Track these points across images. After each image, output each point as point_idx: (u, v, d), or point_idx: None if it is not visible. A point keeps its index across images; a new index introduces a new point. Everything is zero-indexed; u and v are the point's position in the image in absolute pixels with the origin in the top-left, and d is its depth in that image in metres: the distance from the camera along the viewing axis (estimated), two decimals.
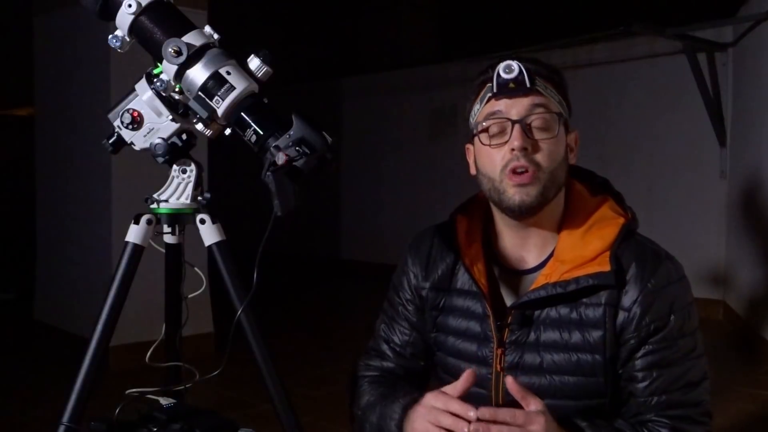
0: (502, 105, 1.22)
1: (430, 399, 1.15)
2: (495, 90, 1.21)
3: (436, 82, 6.65)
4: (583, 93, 5.27)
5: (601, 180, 1.36)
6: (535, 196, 1.21)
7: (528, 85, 1.20)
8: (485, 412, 1.08)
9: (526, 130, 1.21)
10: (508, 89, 1.20)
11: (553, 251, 1.27)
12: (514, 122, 1.20)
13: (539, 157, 1.21)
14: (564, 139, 1.25)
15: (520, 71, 1.19)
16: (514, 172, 1.20)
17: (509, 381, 1.12)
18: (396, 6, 7.90)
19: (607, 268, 1.20)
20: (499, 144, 1.22)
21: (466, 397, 1.34)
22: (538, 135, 1.21)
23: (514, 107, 1.21)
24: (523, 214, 1.23)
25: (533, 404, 1.11)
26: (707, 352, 1.25)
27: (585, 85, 5.34)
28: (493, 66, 1.24)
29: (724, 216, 4.98)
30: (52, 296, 4.56)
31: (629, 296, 1.20)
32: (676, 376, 1.20)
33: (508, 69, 1.20)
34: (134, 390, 1.47)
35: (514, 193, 1.21)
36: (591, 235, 1.25)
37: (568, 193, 1.30)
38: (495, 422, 1.07)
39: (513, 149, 1.20)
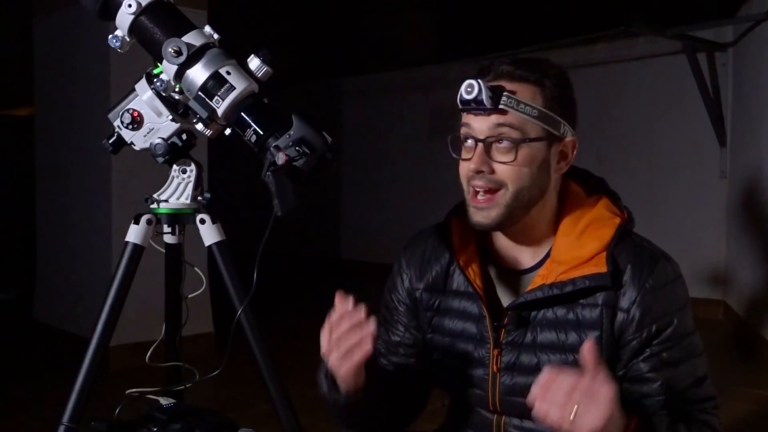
0: (470, 119, 1.21)
1: (323, 339, 1.16)
2: (459, 105, 1.21)
3: (436, 82, 6.64)
4: (583, 93, 5.22)
5: (597, 179, 1.35)
6: (494, 218, 1.21)
7: (489, 105, 1.17)
8: (549, 369, 1.02)
9: (487, 150, 1.20)
10: (470, 107, 1.19)
11: (548, 251, 1.27)
12: (476, 141, 1.20)
13: (502, 176, 1.20)
14: (538, 158, 1.21)
15: (480, 91, 1.16)
16: (474, 193, 1.21)
17: (588, 345, 1.02)
18: (396, 6, 7.89)
19: (603, 269, 1.19)
20: (466, 158, 1.22)
21: (465, 399, 1.34)
22: (498, 156, 1.20)
23: (478, 124, 1.20)
24: (488, 230, 1.25)
25: (599, 373, 1.02)
26: (707, 352, 1.26)
27: (585, 85, 5.31)
28: (485, 65, 1.23)
29: (724, 216, 4.97)
30: (52, 296, 4.56)
31: (627, 297, 1.20)
32: (686, 374, 1.20)
33: (469, 88, 1.17)
34: (134, 390, 1.48)
35: (473, 213, 1.23)
36: (587, 236, 1.24)
37: (564, 193, 1.30)
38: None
39: (470, 169, 1.21)
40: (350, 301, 1.14)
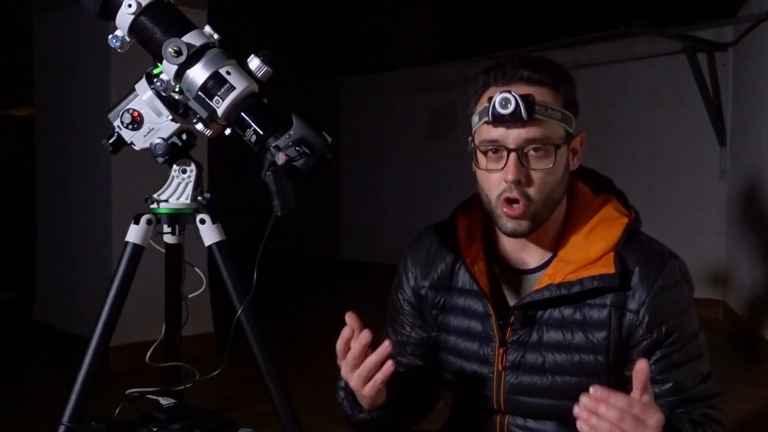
0: (499, 133, 1.19)
1: (343, 366, 1.16)
2: (491, 120, 1.18)
3: (436, 82, 6.64)
4: (583, 93, 5.23)
5: (604, 179, 1.35)
6: (525, 226, 1.21)
7: (525, 117, 1.16)
8: (598, 390, 0.98)
9: (522, 159, 1.19)
10: (504, 121, 1.18)
11: (555, 251, 1.27)
12: (509, 151, 1.19)
13: (532, 190, 1.20)
14: (563, 162, 1.22)
15: (517, 105, 1.15)
16: (507, 201, 1.20)
17: (642, 364, 1.01)
18: (396, 6, 7.90)
19: (611, 269, 1.20)
20: (495, 170, 1.21)
21: (469, 398, 1.34)
22: (534, 164, 1.19)
23: (511, 136, 1.18)
24: (519, 237, 1.24)
25: (646, 397, 1.02)
26: (707, 352, 1.26)
27: (585, 85, 5.32)
28: (495, 71, 1.22)
29: (724, 216, 4.97)
30: (52, 296, 4.55)
31: (637, 299, 1.20)
32: (693, 373, 1.21)
33: (505, 103, 1.16)
34: (134, 390, 1.48)
35: (506, 222, 1.22)
36: (595, 236, 1.24)
37: (571, 193, 1.30)
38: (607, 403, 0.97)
39: (506, 180, 1.19)
40: (356, 321, 1.13)
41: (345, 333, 1.14)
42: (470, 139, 1.27)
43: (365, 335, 1.12)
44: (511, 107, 1.16)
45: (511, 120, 1.17)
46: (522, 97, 1.16)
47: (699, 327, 1.25)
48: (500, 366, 1.26)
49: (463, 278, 1.32)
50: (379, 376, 1.13)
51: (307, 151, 1.24)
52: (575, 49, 5.50)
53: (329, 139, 1.27)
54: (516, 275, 1.31)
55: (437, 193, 6.38)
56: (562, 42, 5.42)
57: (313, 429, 2.81)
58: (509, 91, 1.16)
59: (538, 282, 1.25)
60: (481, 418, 1.32)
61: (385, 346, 1.13)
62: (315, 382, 3.45)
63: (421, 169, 6.83)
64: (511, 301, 1.29)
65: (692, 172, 5.12)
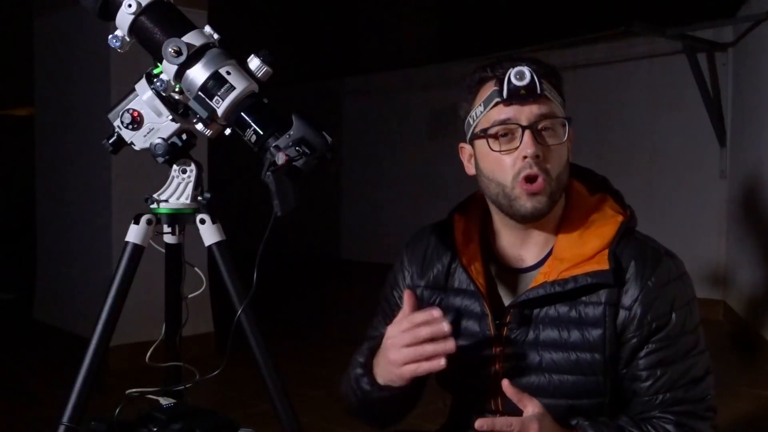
0: (511, 111, 1.21)
1: (394, 329, 1.18)
2: (505, 96, 1.20)
3: (436, 82, 6.64)
4: (583, 93, 5.27)
5: (600, 178, 1.36)
6: (545, 203, 1.22)
7: (539, 91, 1.19)
8: (483, 423, 1.10)
9: (537, 136, 1.21)
10: (519, 96, 1.19)
11: (551, 249, 1.27)
12: (524, 128, 1.20)
13: (549, 164, 1.21)
14: (568, 144, 1.26)
15: (532, 78, 1.18)
16: (527, 180, 1.20)
17: (505, 384, 1.14)
18: (396, 6, 7.89)
19: (605, 266, 1.20)
20: (509, 150, 1.21)
21: (467, 398, 1.34)
22: (548, 141, 1.22)
23: (524, 113, 1.20)
24: (534, 220, 1.24)
25: (530, 406, 1.13)
26: (707, 357, 1.25)
27: (585, 85, 5.34)
28: (492, 66, 1.23)
29: (724, 216, 4.97)
30: (52, 296, 4.56)
31: (629, 295, 1.20)
32: (679, 373, 1.20)
33: (520, 75, 1.19)
34: (134, 390, 1.47)
35: (526, 201, 1.21)
36: (589, 234, 1.25)
37: (567, 191, 1.30)
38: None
39: (525, 156, 1.20)
40: (438, 311, 1.16)
41: (418, 317, 1.16)
42: (468, 137, 1.28)
43: (443, 326, 1.14)
44: (526, 80, 1.19)
45: (525, 94, 1.19)
46: (534, 70, 1.19)
47: (696, 328, 1.23)
48: (497, 366, 1.26)
49: (459, 278, 1.32)
50: (426, 366, 1.15)
51: (307, 151, 1.24)
52: (575, 49, 5.51)
53: (329, 139, 1.27)
54: (512, 275, 1.31)
55: (437, 193, 6.38)
56: (562, 42, 5.42)
57: (313, 429, 2.81)
58: (522, 64, 1.19)
59: (534, 280, 1.25)
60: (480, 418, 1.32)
61: (449, 342, 1.14)
62: (315, 382, 3.45)
63: (421, 169, 6.83)
64: (507, 301, 1.29)
65: (692, 172, 5.12)
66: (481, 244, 1.33)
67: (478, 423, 1.10)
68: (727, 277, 4.91)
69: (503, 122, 1.21)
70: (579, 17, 6.76)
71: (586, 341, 1.21)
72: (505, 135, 1.22)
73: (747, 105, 4.52)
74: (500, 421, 1.10)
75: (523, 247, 1.30)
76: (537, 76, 1.19)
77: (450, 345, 1.14)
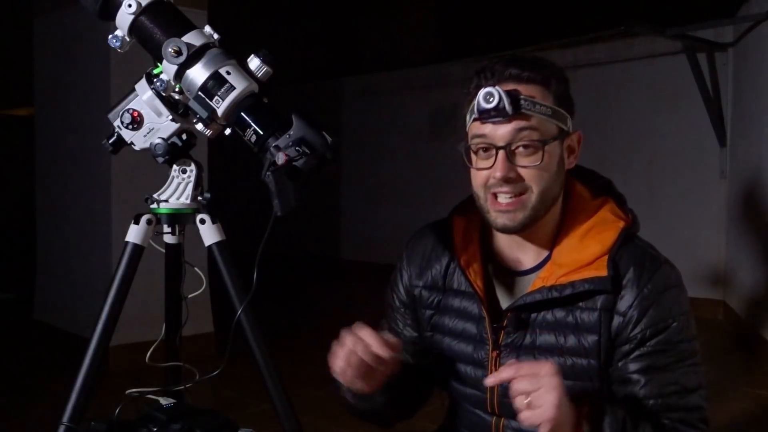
0: (487, 129, 1.20)
1: (349, 337, 1.22)
2: (477, 116, 1.19)
3: (436, 82, 6.64)
4: (583, 93, 5.25)
5: (604, 181, 1.34)
6: (520, 220, 1.21)
7: (510, 111, 1.16)
8: (491, 380, 1.14)
9: (510, 156, 1.19)
10: (489, 116, 1.18)
11: (550, 253, 1.27)
12: (497, 149, 1.19)
13: (528, 180, 1.20)
14: (556, 155, 1.22)
15: (500, 99, 1.16)
16: (495, 197, 1.20)
17: (490, 379, 1.15)
18: (396, 6, 7.90)
19: (603, 273, 1.19)
20: (485, 167, 1.21)
21: (464, 400, 1.34)
22: (522, 161, 1.19)
23: (499, 131, 1.19)
24: (512, 233, 1.24)
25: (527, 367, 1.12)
26: (707, 352, 1.24)
27: (585, 85, 5.33)
28: (483, 71, 1.22)
29: (724, 216, 4.97)
30: (52, 296, 4.55)
31: (625, 301, 1.19)
32: (670, 381, 1.18)
33: (489, 97, 1.16)
34: (134, 390, 1.48)
35: (496, 217, 1.22)
36: (589, 239, 1.23)
37: (568, 194, 1.29)
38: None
39: (494, 177, 1.19)
40: (365, 330, 1.19)
41: (350, 341, 1.20)
42: (465, 139, 1.28)
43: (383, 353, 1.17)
44: (494, 101, 1.16)
45: (496, 114, 1.17)
46: (506, 92, 1.16)
47: (692, 338, 1.22)
48: (494, 369, 1.25)
49: (458, 279, 1.32)
50: (371, 381, 1.19)
51: (307, 151, 1.24)
52: (575, 49, 5.51)
53: (329, 138, 1.27)
54: (510, 276, 1.30)
55: (437, 194, 6.37)
56: (562, 42, 5.42)
57: (313, 429, 2.81)
58: (493, 86, 1.17)
59: (532, 285, 1.25)
60: (477, 420, 1.32)
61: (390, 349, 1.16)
62: (315, 382, 3.44)
63: (421, 169, 6.83)
64: (504, 304, 1.29)
65: (692, 172, 5.12)
66: (480, 245, 1.33)
67: (487, 381, 1.16)
68: (727, 277, 4.90)
69: (479, 137, 1.21)
70: (579, 17, 6.76)
71: (582, 347, 1.20)
72: (486, 150, 1.21)
73: (747, 105, 4.52)
74: (506, 370, 1.11)
75: (519, 250, 1.29)
76: (510, 96, 1.16)
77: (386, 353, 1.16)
